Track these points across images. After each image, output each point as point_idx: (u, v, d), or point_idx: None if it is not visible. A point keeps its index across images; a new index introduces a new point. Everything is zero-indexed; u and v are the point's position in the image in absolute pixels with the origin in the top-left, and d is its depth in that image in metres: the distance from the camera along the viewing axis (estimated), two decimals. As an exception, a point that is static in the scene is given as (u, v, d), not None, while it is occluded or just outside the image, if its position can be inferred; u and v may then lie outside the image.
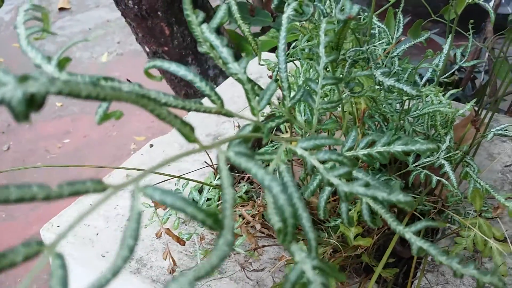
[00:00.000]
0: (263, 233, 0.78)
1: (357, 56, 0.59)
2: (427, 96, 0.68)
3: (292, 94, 0.40)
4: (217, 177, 0.84)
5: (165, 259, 0.70)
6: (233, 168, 0.96)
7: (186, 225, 0.82)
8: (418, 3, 0.80)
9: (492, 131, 0.68)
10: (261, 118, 0.67)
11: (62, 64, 0.29)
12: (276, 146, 0.74)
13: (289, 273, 0.25)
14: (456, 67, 0.74)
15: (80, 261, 0.80)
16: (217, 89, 1.23)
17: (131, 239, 0.20)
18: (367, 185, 0.29)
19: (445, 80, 0.74)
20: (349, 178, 0.31)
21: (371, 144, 0.38)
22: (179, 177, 0.72)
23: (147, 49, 1.70)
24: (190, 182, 0.76)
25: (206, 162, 0.93)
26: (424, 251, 0.31)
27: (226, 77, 1.59)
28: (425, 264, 0.69)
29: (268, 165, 0.30)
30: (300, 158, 0.31)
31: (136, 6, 1.51)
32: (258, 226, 0.65)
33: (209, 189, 0.78)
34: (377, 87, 0.59)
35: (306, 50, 0.64)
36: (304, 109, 0.67)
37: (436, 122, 0.68)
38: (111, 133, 2.40)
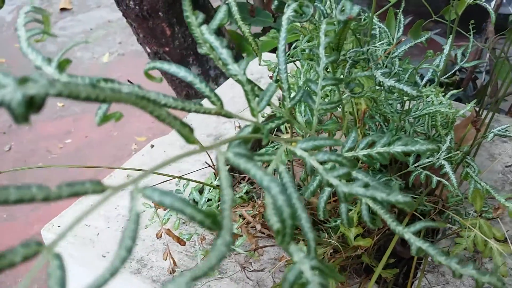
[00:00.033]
0: (263, 233, 0.78)
1: (357, 57, 0.59)
2: (427, 97, 0.68)
3: (293, 94, 0.40)
4: (218, 177, 0.84)
5: (166, 260, 0.70)
6: (233, 169, 0.96)
7: (186, 225, 0.82)
8: (419, 3, 0.80)
9: (493, 132, 0.68)
10: (262, 119, 0.67)
11: (62, 65, 0.29)
12: (276, 147, 0.74)
13: (287, 273, 0.25)
14: (457, 67, 0.74)
15: (80, 262, 0.80)
16: (218, 90, 1.23)
17: (130, 239, 0.20)
18: (366, 185, 0.29)
19: (446, 80, 0.74)
20: (349, 179, 0.31)
21: (371, 144, 0.38)
22: (180, 177, 0.72)
23: (148, 50, 1.70)
24: (190, 182, 0.76)
25: (206, 163, 0.93)
26: (423, 251, 0.31)
27: (227, 78, 1.59)
28: (425, 264, 0.69)
29: (268, 165, 0.30)
30: (300, 158, 0.32)
31: (137, 7, 1.52)
32: (258, 227, 0.65)
33: (209, 190, 0.78)
34: (377, 87, 0.59)
35: (307, 51, 0.64)
36: (304, 109, 0.67)
37: (437, 123, 0.68)
38: (112, 134, 2.40)
